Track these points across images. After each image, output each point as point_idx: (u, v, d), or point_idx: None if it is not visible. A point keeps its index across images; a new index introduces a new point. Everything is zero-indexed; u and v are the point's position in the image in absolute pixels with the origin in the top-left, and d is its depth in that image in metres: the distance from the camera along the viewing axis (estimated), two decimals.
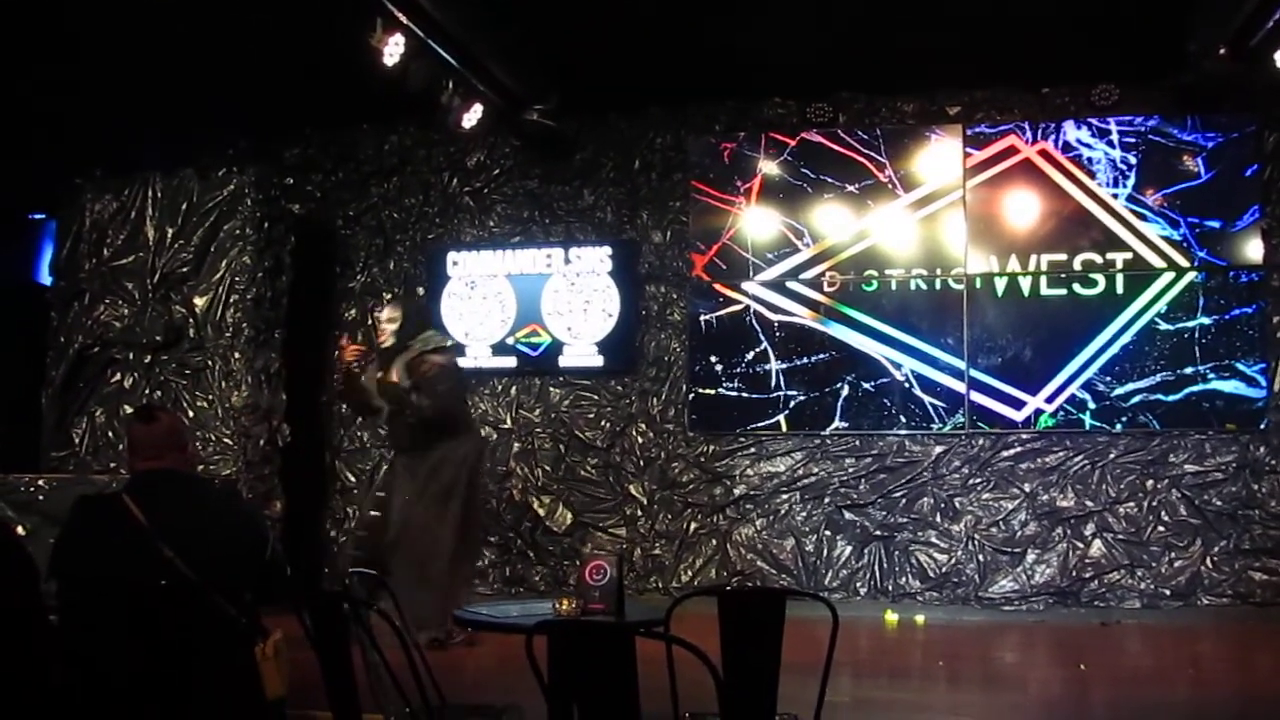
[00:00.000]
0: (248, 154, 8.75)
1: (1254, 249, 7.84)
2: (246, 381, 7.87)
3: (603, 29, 7.23)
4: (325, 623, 3.32)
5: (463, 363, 8.60)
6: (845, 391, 8.15)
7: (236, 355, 7.89)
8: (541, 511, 8.55)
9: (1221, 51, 7.16)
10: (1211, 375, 7.79)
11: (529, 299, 8.59)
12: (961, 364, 8.04)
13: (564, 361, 8.56)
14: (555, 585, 8.15)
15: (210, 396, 7.90)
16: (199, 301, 7.98)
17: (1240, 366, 7.77)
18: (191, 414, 7.80)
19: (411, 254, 8.94)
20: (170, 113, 7.83)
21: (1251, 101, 7.73)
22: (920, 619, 7.70)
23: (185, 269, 8.01)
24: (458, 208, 8.95)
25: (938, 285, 8.14)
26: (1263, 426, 7.76)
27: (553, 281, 8.57)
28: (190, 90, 7.60)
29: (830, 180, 8.29)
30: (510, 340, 8.61)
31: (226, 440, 7.82)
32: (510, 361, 8.63)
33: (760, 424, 8.26)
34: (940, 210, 8.17)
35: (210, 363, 7.92)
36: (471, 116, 7.72)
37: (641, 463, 8.48)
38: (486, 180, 8.92)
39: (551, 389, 8.66)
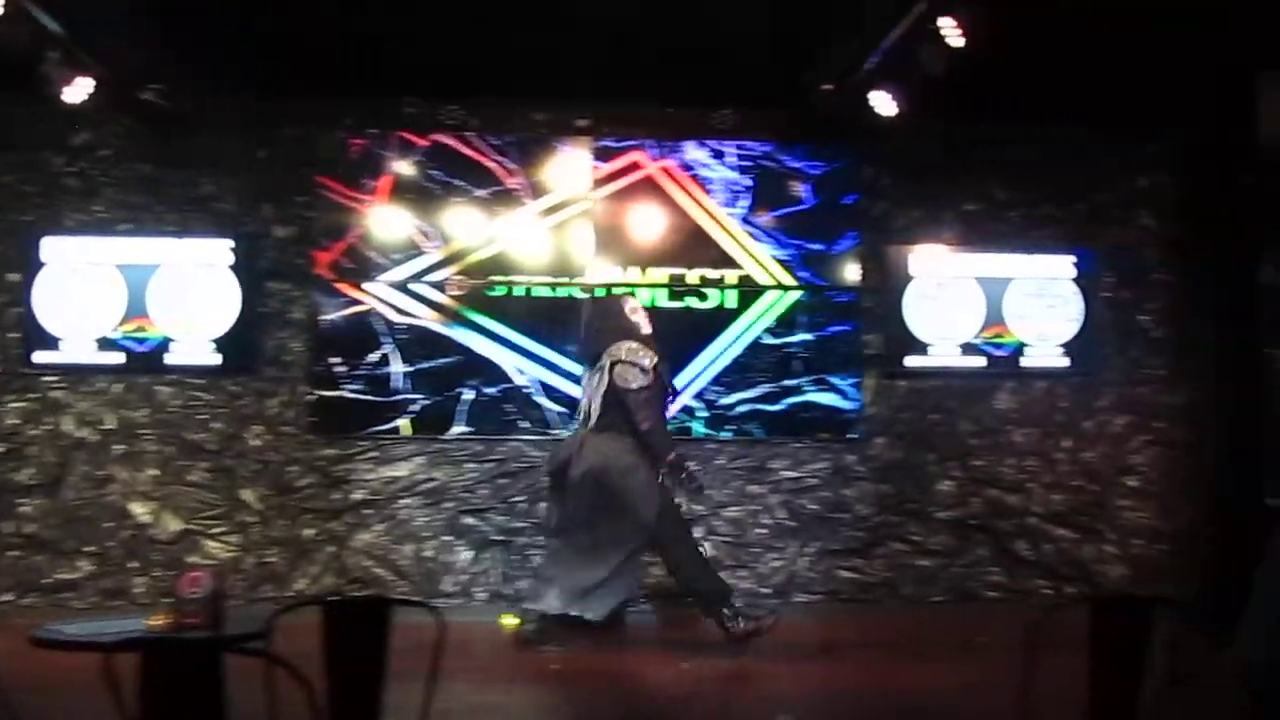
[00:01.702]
0: None
1: (850, 271, 8.57)
2: None
3: (231, 10, 6.95)
4: None
5: (57, 358, 8.13)
6: (468, 396, 8.25)
7: None
8: (145, 519, 8.13)
9: (828, 88, 7.78)
10: (810, 388, 8.44)
11: (138, 291, 8.15)
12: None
13: (176, 359, 8.18)
14: (159, 598, 7.76)
15: None
16: None
17: (835, 380, 8.47)
18: None
19: (4, 236, 8.27)
20: None
21: (853, 135, 8.38)
22: None
23: None
24: (61, 189, 8.36)
25: (562, 293, 8.37)
26: (852, 436, 8.48)
27: (166, 273, 8.18)
28: None
29: (460, 184, 8.37)
30: (116, 335, 8.14)
31: None
32: (115, 358, 8.16)
33: (382, 427, 8.23)
34: (567, 220, 8.43)
35: None
36: (78, 90, 7.24)
37: (256, 467, 8.24)
38: (94, 161, 8.38)
39: (160, 388, 8.26)
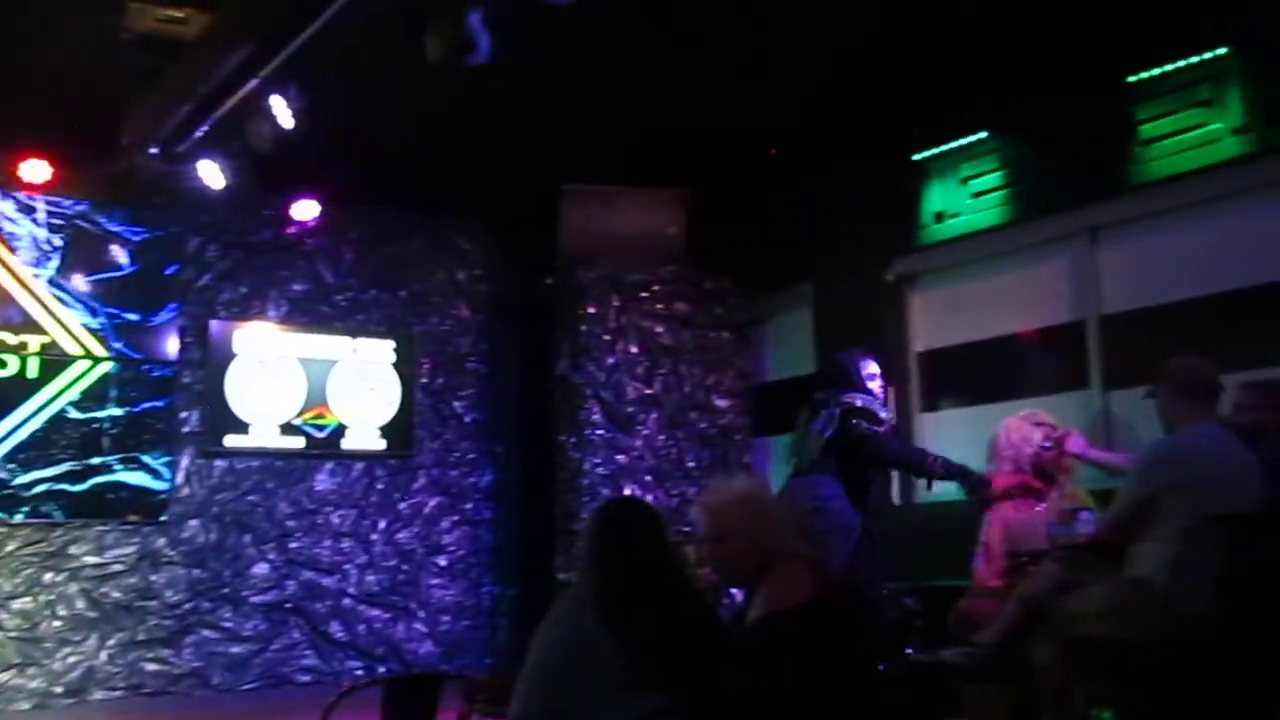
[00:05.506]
0: None
1: (169, 345, 8.61)
2: None
3: None
4: None
5: None
6: None
7: None
8: None
9: (154, 151, 7.78)
10: (118, 466, 8.32)
11: None
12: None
13: None
14: None
15: None
16: None
17: (146, 459, 8.43)
18: None
19: None
20: None
21: (179, 203, 8.46)
22: None
23: None
24: None
25: None
26: (164, 518, 8.47)
27: None
28: None
29: None
30: None
31: None
32: None
33: None
34: None
35: None
36: None
37: None
38: None
39: None
